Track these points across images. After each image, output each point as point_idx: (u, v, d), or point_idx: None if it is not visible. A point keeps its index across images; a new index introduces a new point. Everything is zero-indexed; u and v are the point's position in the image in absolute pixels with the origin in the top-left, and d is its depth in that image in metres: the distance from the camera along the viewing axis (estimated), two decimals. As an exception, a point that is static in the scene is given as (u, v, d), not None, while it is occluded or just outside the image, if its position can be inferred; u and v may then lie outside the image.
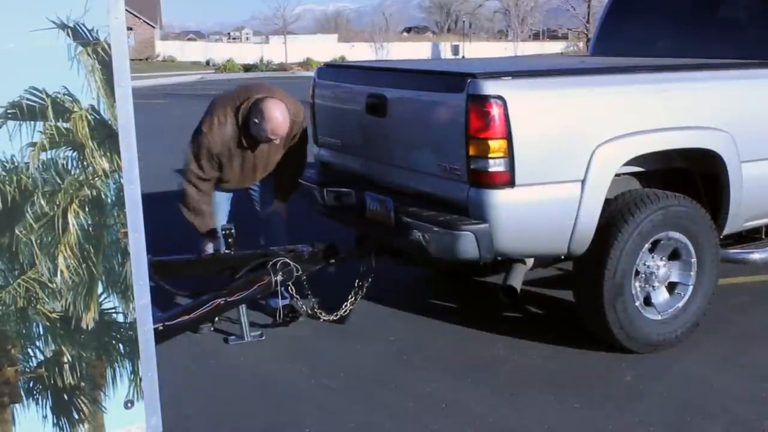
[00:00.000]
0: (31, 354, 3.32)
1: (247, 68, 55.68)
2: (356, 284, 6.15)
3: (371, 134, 6.05)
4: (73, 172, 3.28)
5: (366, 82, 6.23)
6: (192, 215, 6.05)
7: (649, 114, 5.45)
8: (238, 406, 5.02)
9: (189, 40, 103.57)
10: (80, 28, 3.20)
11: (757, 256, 6.27)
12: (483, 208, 5.08)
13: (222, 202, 6.29)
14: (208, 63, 64.83)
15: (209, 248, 6.07)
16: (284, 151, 6.20)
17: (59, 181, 3.26)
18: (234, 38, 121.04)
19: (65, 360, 3.39)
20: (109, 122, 3.31)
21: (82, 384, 3.45)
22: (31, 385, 3.35)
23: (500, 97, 4.98)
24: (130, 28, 59.44)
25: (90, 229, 3.33)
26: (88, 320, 3.39)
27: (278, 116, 5.83)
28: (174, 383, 5.00)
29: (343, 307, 6.06)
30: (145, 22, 77.09)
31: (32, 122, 3.18)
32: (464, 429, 4.72)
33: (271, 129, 5.84)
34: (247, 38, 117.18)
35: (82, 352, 3.41)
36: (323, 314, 6.00)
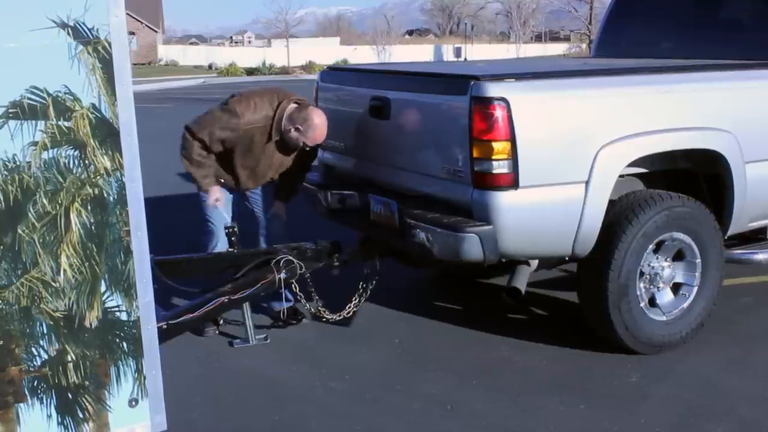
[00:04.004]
0: (35, 353, 3.31)
1: (250, 72, 55.67)
2: (360, 286, 6.14)
3: (375, 137, 6.04)
4: (74, 171, 3.27)
5: (369, 84, 6.23)
6: (194, 168, 5.96)
7: (653, 115, 5.45)
8: (243, 408, 5.01)
9: (191, 44, 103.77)
10: (80, 26, 3.19)
11: (761, 256, 6.25)
12: (487, 209, 5.08)
13: (226, 206, 6.26)
14: (210, 67, 64.85)
15: (213, 201, 6.03)
16: (297, 156, 6.19)
17: (61, 180, 3.25)
18: (236, 42, 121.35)
19: (69, 359, 3.38)
20: (111, 121, 3.30)
21: (86, 383, 3.44)
22: (35, 384, 3.34)
23: (504, 99, 4.98)
24: (133, 33, 59.79)
25: (92, 227, 3.33)
26: (92, 319, 3.38)
27: (321, 125, 5.89)
28: (179, 386, 4.99)
29: (347, 308, 6.05)
30: (147, 26, 77.30)
31: (33, 121, 3.16)
32: (470, 430, 4.71)
33: (313, 137, 5.91)
34: (249, 42, 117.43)
35: (85, 351, 3.40)
36: (326, 312, 5.99)
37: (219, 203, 6.04)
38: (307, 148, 6.03)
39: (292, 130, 5.86)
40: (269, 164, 6.09)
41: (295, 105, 5.92)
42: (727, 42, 6.93)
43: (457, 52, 63.02)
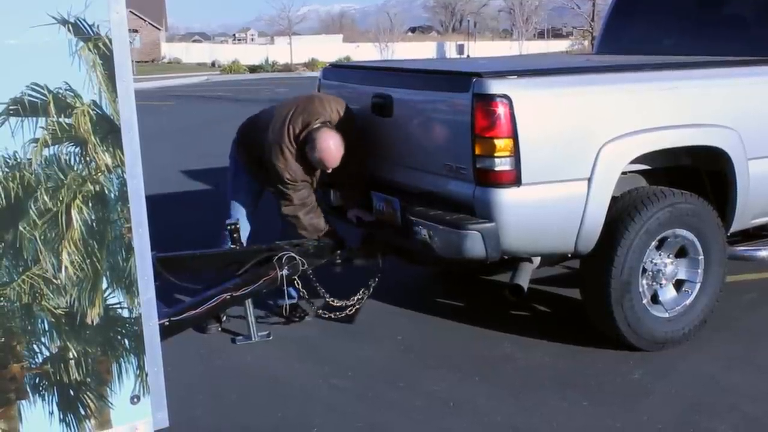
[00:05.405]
0: (37, 350, 3.31)
1: (253, 69, 55.71)
2: (363, 283, 6.14)
3: (377, 134, 6.03)
4: (75, 168, 3.27)
5: (371, 82, 6.23)
6: (314, 233, 6.00)
7: (655, 112, 5.44)
8: (245, 406, 5.01)
9: (194, 41, 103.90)
10: (81, 23, 3.19)
11: (764, 253, 6.24)
12: (489, 207, 5.07)
13: (245, 197, 6.26)
14: (213, 64, 64.95)
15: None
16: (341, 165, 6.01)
17: (62, 176, 3.25)
18: (239, 39, 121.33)
19: (71, 356, 3.38)
20: (111, 117, 3.30)
21: (88, 380, 3.44)
22: (36, 381, 3.34)
23: (506, 96, 4.97)
24: (136, 31, 59.78)
25: (93, 224, 3.33)
26: (93, 316, 3.39)
27: (327, 148, 5.72)
28: (181, 383, 5.00)
29: (350, 299, 6.04)
30: (150, 24, 77.35)
31: (34, 118, 3.17)
32: (472, 427, 4.70)
33: (320, 159, 5.75)
34: (252, 39, 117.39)
35: (87, 348, 3.40)
36: (334, 300, 5.98)
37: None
38: (328, 170, 5.91)
39: (308, 156, 5.80)
40: (320, 174, 6.06)
41: (309, 133, 5.79)
42: (730, 39, 6.92)
43: (460, 50, 62.99)
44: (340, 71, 7.16)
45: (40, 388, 3.36)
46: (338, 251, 6.01)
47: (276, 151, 5.83)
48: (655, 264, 5.55)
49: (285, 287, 5.85)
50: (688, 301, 5.68)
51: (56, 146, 3.23)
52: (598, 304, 5.51)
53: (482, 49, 66.65)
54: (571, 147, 5.19)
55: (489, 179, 5.07)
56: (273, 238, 6.03)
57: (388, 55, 65.36)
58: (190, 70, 56.90)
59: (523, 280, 5.56)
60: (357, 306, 6.11)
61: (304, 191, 5.94)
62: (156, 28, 79.54)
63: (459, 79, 5.26)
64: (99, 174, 3.33)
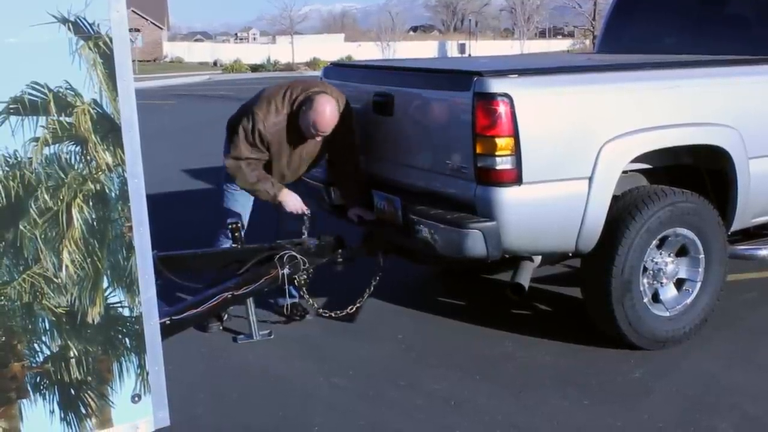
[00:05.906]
0: (38, 349, 3.32)
1: (255, 68, 55.74)
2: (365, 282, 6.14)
3: (378, 133, 6.03)
4: (76, 167, 3.28)
5: (372, 81, 6.22)
6: (259, 185, 5.85)
7: (656, 111, 5.44)
8: (246, 404, 5.01)
9: (196, 41, 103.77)
10: (81, 22, 3.20)
11: (764, 252, 6.24)
12: (490, 205, 5.07)
13: (245, 199, 6.16)
14: (215, 63, 64.98)
15: (299, 208, 5.96)
16: (332, 147, 6.03)
17: (63, 175, 3.25)
18: (241, 39, 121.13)
19: (71, 355, 3.38)
20: (112, 116, 3.31)
21: (89, 379, 3.45)
22: (37, 380, 3.34)
23: (507, 95, 4.97)
24: (138, 30, 59.79)
25: (94, 223, 3.33)
26: (94, 315, 3.39)
27: (324, 111, 5.63)
28: (183, 382, 5.00)
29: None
30: (152, 23, 77.33)
31: (34, 117, 3.18)
32: (473, 426, 4.70)
33: (314, 121, 5.64)
34: (254, 38, 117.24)
35: (88, 347, 3.41)
36: (331, 303, 5.98)
37: (304, 207, 5.99)
38: (318, 138, 5.82)
39: (300, 118, 5.73)
40: (300, 159, 6.00)
41: (307, 95, 5.74)
42: (730, 38, 6.91)
43: (461, 49, 62.94)
44: (342, 70, 7.16)
45: (41, 387, 3.36)
46: (339, 250, 6.01)
47: (263, 102, 5.77)
48: (656, 263, 5.55)
49: (286, 286, 5.86)
50: (688, 300, 5.68)
51: (57, 145, 3.24)
52: (599, 303, 5.51)
53: (484, 49, 66.56)
54: (572, 146, 5.19)
55: (490, 178, 5.07)
56: (271, 236, 6.04)
57: (390, 54, 65.32)
58: (192, 70, 56.92)
59: (524, 278, 5.56)
60: (358, 305, 6.12)
61: (259, 154, 5.81)
62: (158, 27, 79.51)
63: (460, 78, 5.26)
64: (99, 173, 3.33)
